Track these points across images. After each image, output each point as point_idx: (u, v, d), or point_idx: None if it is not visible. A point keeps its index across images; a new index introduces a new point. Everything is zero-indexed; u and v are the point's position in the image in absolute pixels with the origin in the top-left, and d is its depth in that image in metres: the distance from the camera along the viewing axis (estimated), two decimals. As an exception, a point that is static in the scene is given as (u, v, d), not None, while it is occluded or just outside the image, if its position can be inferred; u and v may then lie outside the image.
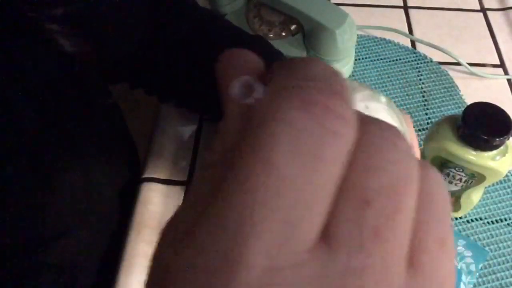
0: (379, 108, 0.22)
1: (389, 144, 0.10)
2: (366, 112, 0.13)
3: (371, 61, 0.66)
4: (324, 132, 0.10)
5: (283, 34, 0.62)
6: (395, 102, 0.62)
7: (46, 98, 0.37)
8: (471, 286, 0.46)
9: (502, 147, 0.42)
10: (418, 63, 0.66)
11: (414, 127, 0.59)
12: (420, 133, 0.59)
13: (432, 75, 0.65)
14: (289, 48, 0.61)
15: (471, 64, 0.65)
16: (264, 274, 0.09)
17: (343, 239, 0.10)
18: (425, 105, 0.62)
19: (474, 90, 0.64)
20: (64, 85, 0.40)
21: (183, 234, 0.10)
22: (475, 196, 0.49)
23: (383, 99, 0.23)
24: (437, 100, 0.62)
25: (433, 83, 0.64)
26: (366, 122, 0.11)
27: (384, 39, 0.69)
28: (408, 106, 0.61)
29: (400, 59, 0.67)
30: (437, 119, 0.57)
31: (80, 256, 0.42)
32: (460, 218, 0.52)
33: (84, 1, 0.41)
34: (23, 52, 0.36)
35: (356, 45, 0.62)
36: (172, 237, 0.11)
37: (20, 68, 0.36)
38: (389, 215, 0.10)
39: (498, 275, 0.48)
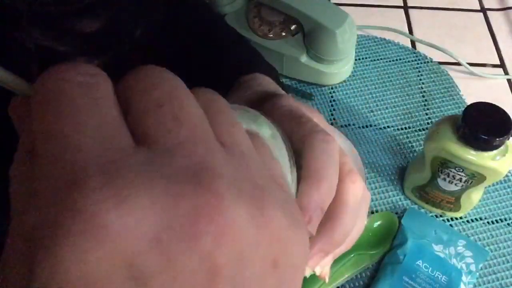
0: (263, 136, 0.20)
1: (151, 74, 0.14)
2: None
3: (371, 61, 0.66)
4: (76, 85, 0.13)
5: (283, 34, 0.62)
6: (395, 102, 0.62)
7: None
8: (471, 286, 0.46)
9: (502, 147, 0.42)
10: (418, 63, 0.66)
11: (414, 127, 0.59)
12: (420, 133, 0.59)
13: (432, 75, 0.65)
14: (289, 48, 0.61)
15: (471, 64, 0.65)
16: (103, 165, 0.11)
17: (152, 133, 0.13)
18: (425, 105, 0.62)
19: (474, 90, 0.64)
20: None
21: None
22: (475, 196, 0.49)
23: (267, 130, 0.21)
24: (437, 100, 0.62)
25: (433, 83, 0.64)
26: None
27: (384, 39, 0.69)
28: (408, 106, 0.61)
29: (400, 59, 0.67)
30: (437, 119, 0.57)
31: None
32: (460, 218, 0.52)
33: None
34: None
35: (356, 45, 0.62)
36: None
37: None
38: (179, 106, 0.13)
39: (498, 275, 0.48)
